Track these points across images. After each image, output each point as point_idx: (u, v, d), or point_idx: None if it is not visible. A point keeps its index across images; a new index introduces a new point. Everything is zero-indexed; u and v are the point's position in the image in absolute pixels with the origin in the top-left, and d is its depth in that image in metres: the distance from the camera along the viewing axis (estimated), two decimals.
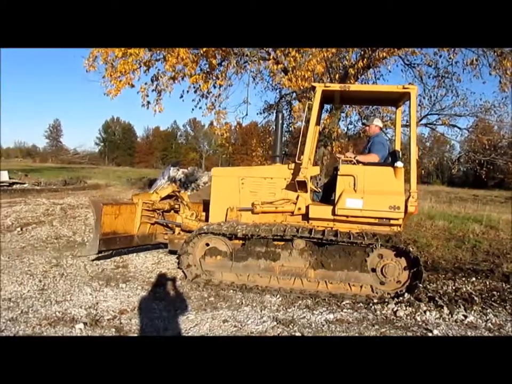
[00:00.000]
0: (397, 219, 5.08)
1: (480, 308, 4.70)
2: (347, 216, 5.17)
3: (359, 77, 10.67)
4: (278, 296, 5.00)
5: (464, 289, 5.46)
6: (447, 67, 10.52)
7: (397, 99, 5.82)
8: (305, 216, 5.44)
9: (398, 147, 5.95)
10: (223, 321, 4.14)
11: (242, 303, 4.77)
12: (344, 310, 4.60)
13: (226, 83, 9.95)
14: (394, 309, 4.60)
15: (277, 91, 13.29)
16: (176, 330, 3.94)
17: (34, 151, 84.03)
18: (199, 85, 9.56)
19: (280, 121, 5.82)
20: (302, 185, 5.27)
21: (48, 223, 9.28)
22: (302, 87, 8.88)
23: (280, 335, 3.87)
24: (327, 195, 5.80)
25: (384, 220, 5.11)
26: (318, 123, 5.88)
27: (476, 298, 5.01)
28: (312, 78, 9.09)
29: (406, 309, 4.60)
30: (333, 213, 5.19)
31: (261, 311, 4.53)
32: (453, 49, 9.13)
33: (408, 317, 4.43)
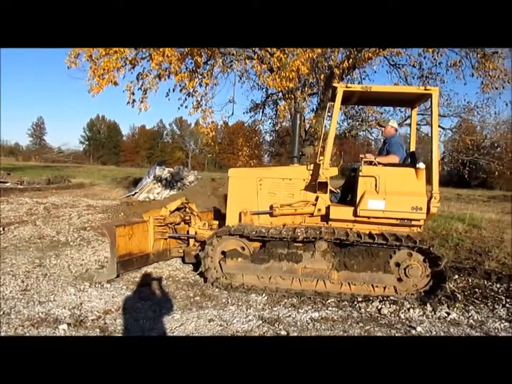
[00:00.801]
0: (418, 220, 5.09)
1: (462, 305, 4.78)
2: (368, 217, 5.16)
3: (344, 77, 10.73)
4: (263, 295, 5.01)
5: (447, 286, 5.53)
6: (431, 68, 10.68)
7: (414, 100, 5.86)
8: (325, 217, 5.42)
9: (413, 148, 5.99)
10: (209, 321, 4.13)
11: (228, 302, 4.77)
12: (329, 308, 4.64)
13: (212, 82, 9.94)
14: (379, 307, 4.65)
15: (263, 90, 13.33)
16: (161, 330, 3.92)
17: (17, 150, 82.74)
18: (185, 84, 9.52)
19: (298, 122, 5.77)
20: (323, 186, 5.24)
21: (31, 222, 9.15)
22: (286, 88, 8.90)
23: (265, 333, 3.88)
24: (344, 196, 5.80)
25: (406, 220, 5.10)
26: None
27: (458, 295, 5.09)
28: (297, 79, 9.13)
29: (390, 307, 4.65)
30: (355, 214, 5.16)
31: (247, 310, 4.54)
32: (437, 50, 9.26)
33: (392, 315, 4.49)
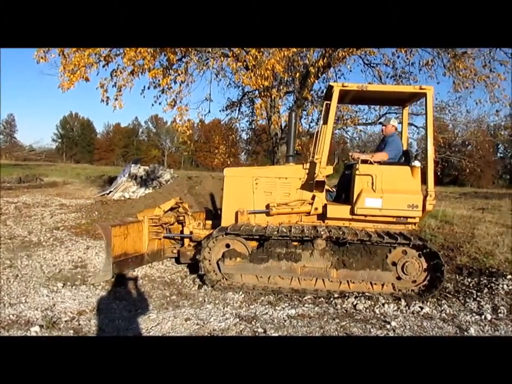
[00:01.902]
0: (414, 217, 5.19)
1: (435, 299, 4.89)
2: (365, 216, 5.22)
3: (319, 76, 10.80)
4: (240, 293, 5.01)
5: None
6: (404, 67, 10.84)
7: (407, 99, 5.93)
8: (321, 216, 5.45)
9: (405, 147, 6.04)
10: (185, 320, 4.10)
11: (205, 301, 4.75)
12: (306, 305, 4.67)
13: (188, 79, 9.85)
14: (354, 303, 4.71)
15: (240, 88, 13.31)
16: (137, 330, 3.87)
17: None
18: (159, 80, 9.42)
19: (294, 121, 5.76)
20: (320, 185, 5.26)
21: (1, 222, 8.91)
22: (261, 86, 8.90)
23: (242, 331, 3.88)
24: (339, 194, 5.83)
25: (402, 218, 5.20)
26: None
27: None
28: (272, 77, 9.13)
29: (365, 302, 4.72)
30: (352, 213, 5.22)
31: (224, 308, 4.53)
32: (409, 50, 9.41)
33: (368, 310, 4.55)
